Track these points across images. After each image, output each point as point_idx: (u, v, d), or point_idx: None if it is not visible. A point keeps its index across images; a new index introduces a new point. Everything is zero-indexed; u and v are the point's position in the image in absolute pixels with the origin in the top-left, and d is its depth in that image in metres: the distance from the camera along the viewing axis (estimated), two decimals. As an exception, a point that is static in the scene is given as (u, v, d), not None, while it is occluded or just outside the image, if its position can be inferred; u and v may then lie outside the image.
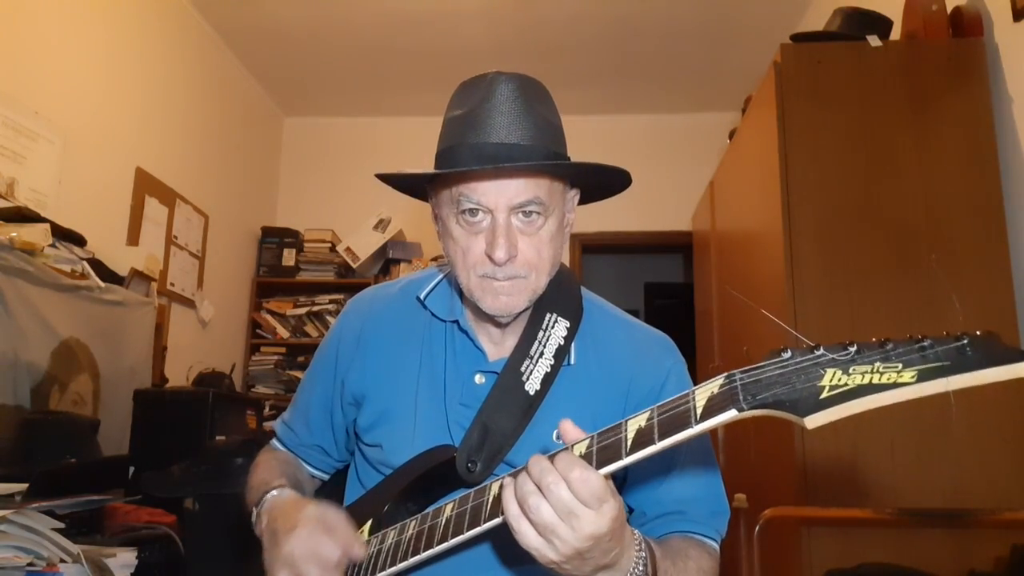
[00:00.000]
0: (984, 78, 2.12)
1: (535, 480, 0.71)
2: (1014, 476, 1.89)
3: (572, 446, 0.75)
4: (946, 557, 1.83)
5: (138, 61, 3.39)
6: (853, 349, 0.58)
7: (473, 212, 0.92)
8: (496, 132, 0.89)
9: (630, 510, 1.03)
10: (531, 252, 0.93)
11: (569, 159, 0.95)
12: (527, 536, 0.72)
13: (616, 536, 0.73)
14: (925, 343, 0.55)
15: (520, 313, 0.98)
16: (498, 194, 0.90)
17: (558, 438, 0.96)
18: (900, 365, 0.56)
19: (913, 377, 0.55)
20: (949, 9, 2.27)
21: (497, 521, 0.77)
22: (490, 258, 0.91)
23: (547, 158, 0.90)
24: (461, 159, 0.90)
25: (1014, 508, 1.77)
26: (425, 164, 0.97)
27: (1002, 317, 1.97)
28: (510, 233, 0.91)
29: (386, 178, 0.99)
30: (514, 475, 0.75)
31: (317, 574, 0.87)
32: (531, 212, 0.92)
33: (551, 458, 0.72)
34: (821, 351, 0.59)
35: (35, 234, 2.37)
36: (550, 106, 0.96)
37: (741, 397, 0.63)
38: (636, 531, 0.81)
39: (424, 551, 0.84)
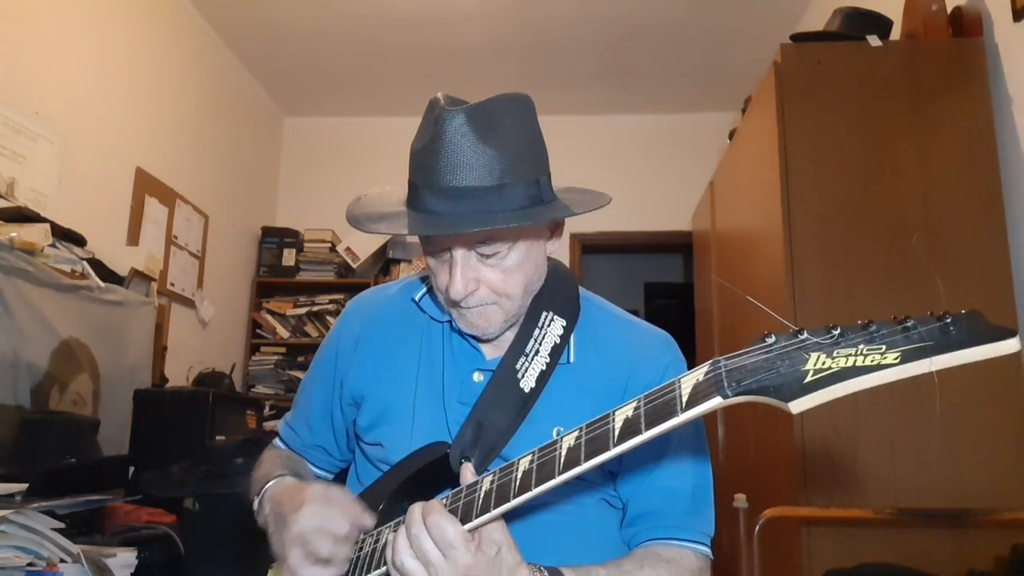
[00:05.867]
0: (984, 78, 2.12)
1: (405, 525, 0.80)
2: (1014, 476, 1.88)
3: (562, 438, 0.75)
4: (946, 557, 1.83)
5: (138, 61, 3.40)
6: (837, 332, 0.58)
7: (435, 249, 0.94)
8: (443, 176, 0.87)
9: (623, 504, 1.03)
10: (496, 281, 0.94)
11: (547, 174, 0.94)
12: None
13: None
14: (908, 323, 0.55)
15: (502, 332, 1.00)
16: (453, 237, 0.91)
17: (558, 433, 0.97)
18: (884, 347, 0.55)
19: (897, 358, 0.55)
20: (949, 9, 2.26)
21: (489, 516, 0.77)
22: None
23: (500, 194, 0.87)
24: (418, 200, 0.90)
25: (1014, 508, 1.76)
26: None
27: (1002, 316, 1.97)
28: (467, 269, 0.92)
29: (354, 223, 0.95)
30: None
31: (329, 547, 0.88)
32: (490, 248, 0.92)
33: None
34: (805, 335, 0.59)
35: (35, 234, 2.38)
36: (511, 127, 0.90)
37: (726, 384, 0.63)
38: (545, 570, 0.82)
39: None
